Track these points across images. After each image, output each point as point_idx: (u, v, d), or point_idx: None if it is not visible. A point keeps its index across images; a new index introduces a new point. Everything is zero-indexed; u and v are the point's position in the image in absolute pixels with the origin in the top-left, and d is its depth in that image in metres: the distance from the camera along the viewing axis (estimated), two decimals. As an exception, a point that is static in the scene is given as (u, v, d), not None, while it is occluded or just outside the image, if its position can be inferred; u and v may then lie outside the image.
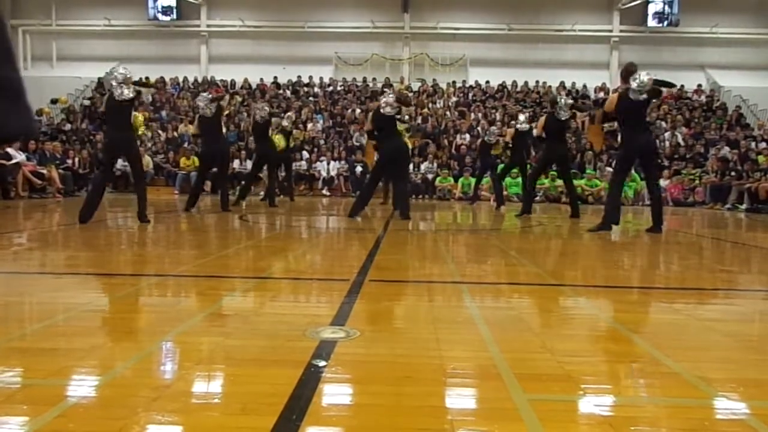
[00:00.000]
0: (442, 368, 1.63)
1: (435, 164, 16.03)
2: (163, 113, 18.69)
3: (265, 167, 10.53)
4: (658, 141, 17.14)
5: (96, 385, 1.47)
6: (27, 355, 1.72)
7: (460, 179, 15.05)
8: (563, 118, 8.05)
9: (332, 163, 16.13)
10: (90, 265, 3.63)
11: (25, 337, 1.93)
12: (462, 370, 1.63)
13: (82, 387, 1.47)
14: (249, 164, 12.90)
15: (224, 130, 8.68)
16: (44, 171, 12.13)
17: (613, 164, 8.17)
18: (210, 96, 8.59)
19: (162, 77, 20.83)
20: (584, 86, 20.15)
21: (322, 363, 1.63)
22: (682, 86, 20.45)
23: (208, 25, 22.23)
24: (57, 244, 4.75)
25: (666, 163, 15.59)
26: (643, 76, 5.67)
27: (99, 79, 18.71)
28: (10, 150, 11.40)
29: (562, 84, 20.60)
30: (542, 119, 8.51)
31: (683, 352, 1.83)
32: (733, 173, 13.32)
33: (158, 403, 1.35)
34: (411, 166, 15.95)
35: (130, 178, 15.00)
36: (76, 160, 14.95)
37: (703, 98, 20.12)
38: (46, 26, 21.44)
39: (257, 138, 10.20)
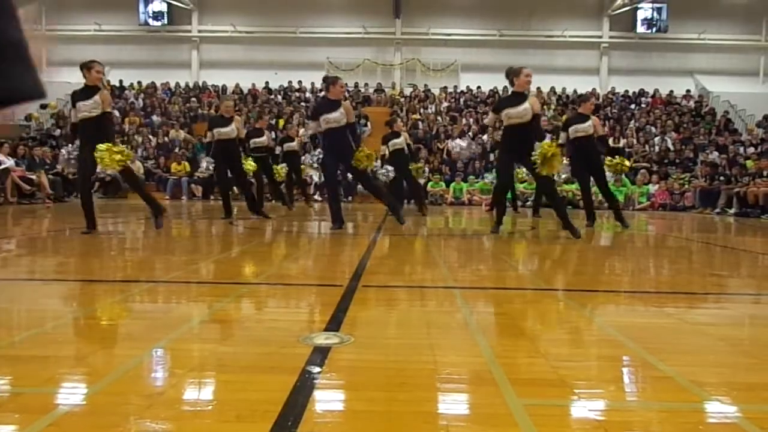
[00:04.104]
0: (437, 374, 1.63)
1: (427, 169, 16.07)
2: (154, 118, 18.62)
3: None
4: (647, 146, 17.31)
5: (88, 393, 1.45)
6: (17, 363, 1.70)
7: (452, 184, 15.10)
8: None
9: (324, 168, 16.11)
10: (80, 272, 3.60)
11: (14, 345, 1.90)
12: (456, 375, 1.63)
13: (74, 395, 1.45)
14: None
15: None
16: (33, 177, 12.04)
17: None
18: None
19: (153, 82, 20.75)
20: (575, 91, 20.30)
21: (316, 369, 1.62)
22: (671, 92, 20.68)
23: (200, 31, 22.20)
24: (46, 250, 4.71)
25: (654, 167, 15.71)
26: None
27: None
28: (-2, 155, 11.32)
29: (553, 89, 20.75)
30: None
31: (676, 356, 1.84)
32: (721, 178, 13.46)
33: (151, 410, 1.34)
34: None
35: (120, 183, 14.99)
36: (66, 165, 14.86)
37: (691, 103, 20.34)
38: (36, 31, 21.30)
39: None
